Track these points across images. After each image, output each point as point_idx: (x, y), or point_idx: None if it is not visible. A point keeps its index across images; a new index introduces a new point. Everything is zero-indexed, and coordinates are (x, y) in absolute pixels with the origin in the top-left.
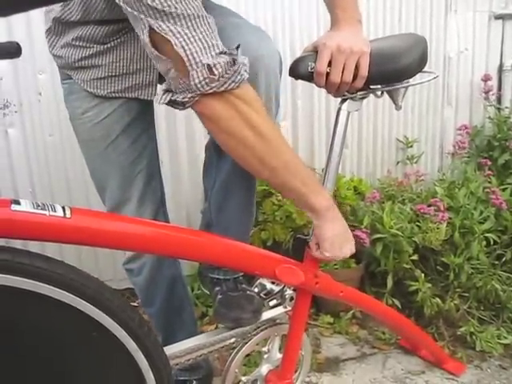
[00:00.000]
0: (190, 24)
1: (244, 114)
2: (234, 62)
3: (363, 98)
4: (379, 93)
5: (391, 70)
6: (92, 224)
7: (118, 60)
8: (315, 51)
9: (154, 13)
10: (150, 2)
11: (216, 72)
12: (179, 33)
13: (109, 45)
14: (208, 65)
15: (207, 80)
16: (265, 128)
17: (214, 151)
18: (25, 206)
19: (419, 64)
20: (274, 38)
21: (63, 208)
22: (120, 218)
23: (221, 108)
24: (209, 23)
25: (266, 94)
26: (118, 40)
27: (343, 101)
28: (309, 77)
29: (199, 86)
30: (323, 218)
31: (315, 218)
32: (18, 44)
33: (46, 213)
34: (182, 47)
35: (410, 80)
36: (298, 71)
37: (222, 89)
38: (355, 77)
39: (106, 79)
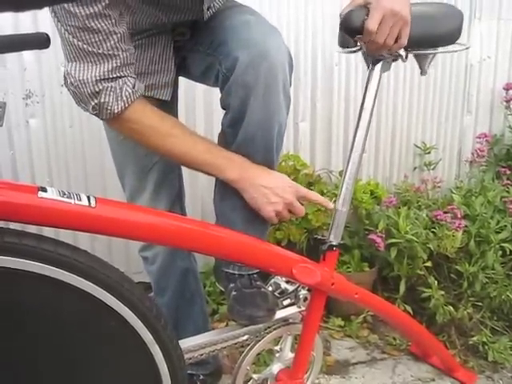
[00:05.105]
0: None
1: (135, 131)
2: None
3: (394, 61)
4: (404, 56)
5: (431, 34)
6: (116, 214)
7: (138, 60)
8: (366, 6)
9: None
10: None
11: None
12: None
13: (131, 45)
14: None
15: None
16: (154, 139)
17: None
18: (51, 194)
19: (456, 34)
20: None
21: (88, 197)
22: (144, 209)
23: (117, 128)
24: None
25: (266, 87)
26: (140, 41)
27: (376, 62)
28: (359, 31)
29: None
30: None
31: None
32: (46, 35)
33: (72, 201)
34: None
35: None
36: (349, 24)
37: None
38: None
39: None
